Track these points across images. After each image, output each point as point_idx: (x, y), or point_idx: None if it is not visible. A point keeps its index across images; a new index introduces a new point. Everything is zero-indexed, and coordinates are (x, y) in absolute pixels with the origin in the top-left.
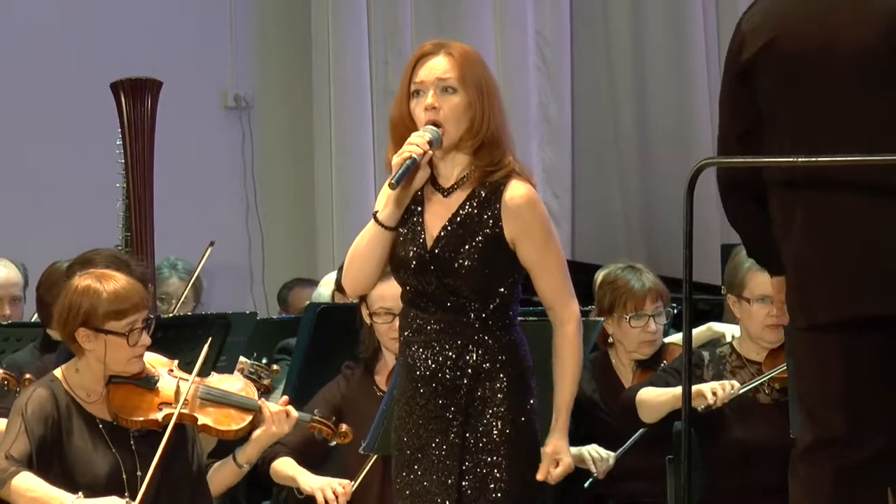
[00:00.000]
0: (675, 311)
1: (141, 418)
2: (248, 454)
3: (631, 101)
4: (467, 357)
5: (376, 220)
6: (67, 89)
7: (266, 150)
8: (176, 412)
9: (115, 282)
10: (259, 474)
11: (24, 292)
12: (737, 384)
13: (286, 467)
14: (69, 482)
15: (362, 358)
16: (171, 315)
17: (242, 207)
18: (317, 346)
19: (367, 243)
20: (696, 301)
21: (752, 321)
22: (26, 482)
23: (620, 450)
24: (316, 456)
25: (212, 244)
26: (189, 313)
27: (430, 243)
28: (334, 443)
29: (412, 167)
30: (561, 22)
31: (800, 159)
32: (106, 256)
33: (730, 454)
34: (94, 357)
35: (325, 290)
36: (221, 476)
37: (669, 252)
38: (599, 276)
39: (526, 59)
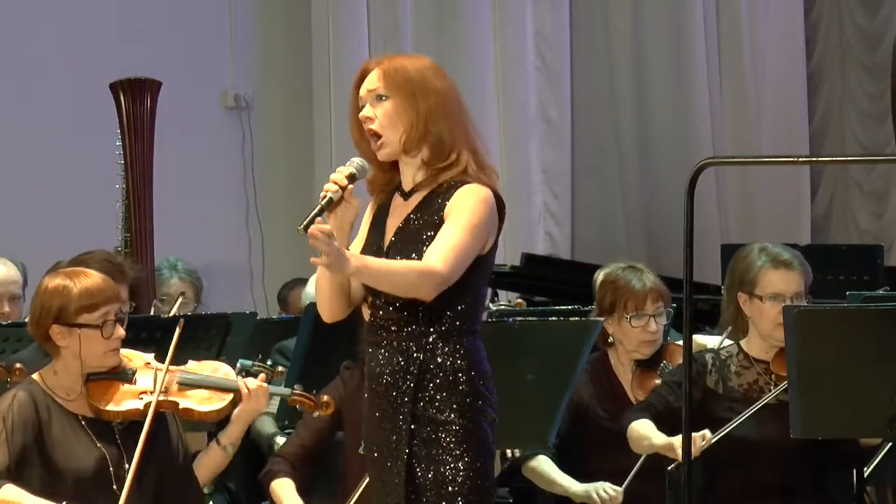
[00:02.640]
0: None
1: (122, 409)
2: (229, 434)
3: (631, 101)
4: (414, 358)
5: None
6: (67, 89)
7: (266, 150)
8: (155, 397)
9: (85, 277)
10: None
11: (23, 291)
12: (708, 434)
13: (283, 491)
14: (57, 480)
15: (361, 358)
16: (170, 315)
17: (242, 207)
18: (317, 346)
19: (324, 279)
20: (696, 301)
21: (764, 319)
22: (10, 495)
23: (626, 481)
24: (314, 465)
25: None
26: (189, 313)
27: (385, 245)
28: (317, 414)
29: (326, 207)
30: (560, 22)
31: (800, 158)
32: (100, 259)
33: (731, 453)
34: (70, 354)
35: (312, 289)
36: (207, 461)
37: (669, 252)
38: (600, 275)
39: (525, 59)
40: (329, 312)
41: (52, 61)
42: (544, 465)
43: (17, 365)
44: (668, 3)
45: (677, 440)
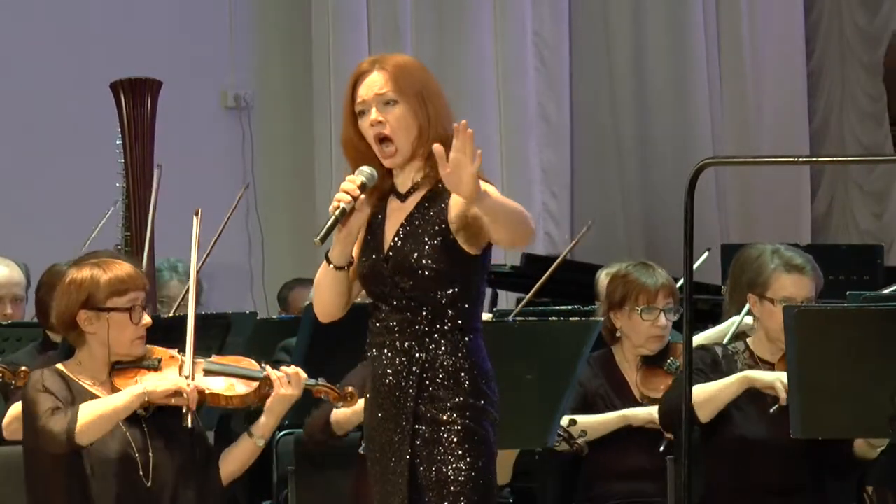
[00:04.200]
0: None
1: None
2: (262, 425)
3: (630, 101)
4: (416, 358)
5: (328, 261)
6: (67, 89)
7: (266, 150)
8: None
9: (115, 264)
10: (259, 471)
11: (26, 292)
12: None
13: (343, 411)
14: (79, 460)
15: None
16: (171, 316)
17: (242, 208)
18: (317, 346)
19: (325, 282)
20: (695, 301)
21: (773, 322)
22: (88, 409)
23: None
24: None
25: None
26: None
27: (385, 247)
28: (340, 405)
29: (340, 218)
30: (559, 23)
31: (800, 158)
32: (104, 257)
33: (732, 453)
34: (97, 341)
35: None
36: (238, 453)
37: (669, 252)
38: (610, 271)
39: (525, 59)
40: (326, 312)
41: (52, 61)
42: (593, 418)
43: (23, 368)
44: (668, 3)
45: (782, 376)
